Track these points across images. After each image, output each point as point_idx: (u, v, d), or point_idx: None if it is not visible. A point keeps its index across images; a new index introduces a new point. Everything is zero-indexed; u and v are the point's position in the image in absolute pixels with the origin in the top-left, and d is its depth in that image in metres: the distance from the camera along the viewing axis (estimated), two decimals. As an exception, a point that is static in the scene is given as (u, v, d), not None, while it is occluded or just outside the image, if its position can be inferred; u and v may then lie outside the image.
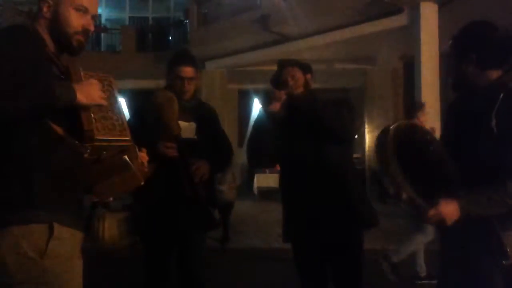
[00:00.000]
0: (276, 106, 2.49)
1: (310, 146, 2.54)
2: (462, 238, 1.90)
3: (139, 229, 2.62)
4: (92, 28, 1.80)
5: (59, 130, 1.61)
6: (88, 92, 1.64)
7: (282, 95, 2.50)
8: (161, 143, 2.62)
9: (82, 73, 1.73)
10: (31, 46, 1.65)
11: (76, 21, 1.75)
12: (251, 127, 2.69)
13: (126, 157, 1.74)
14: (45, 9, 1.74)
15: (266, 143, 2.61)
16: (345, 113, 2.50)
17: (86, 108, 1.64)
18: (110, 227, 2.10)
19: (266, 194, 11.67)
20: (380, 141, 1.83)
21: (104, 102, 1.68)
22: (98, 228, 2.08)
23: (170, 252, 2.83)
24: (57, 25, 1.74)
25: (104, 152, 1.68)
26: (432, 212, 1.73)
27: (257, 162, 3.07)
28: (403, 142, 1.80)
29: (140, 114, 2.83)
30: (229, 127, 13.58)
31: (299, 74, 2.65)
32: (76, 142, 1.62)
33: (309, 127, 2.51)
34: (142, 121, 2.71)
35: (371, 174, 11.33)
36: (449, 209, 1.74)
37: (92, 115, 1.65)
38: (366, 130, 12.33)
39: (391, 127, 1.83)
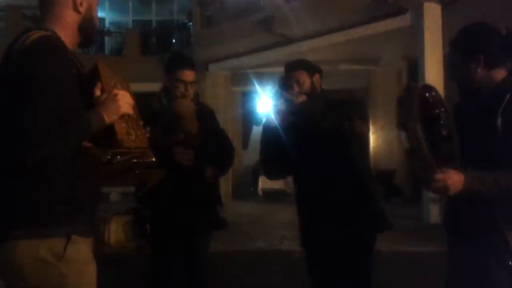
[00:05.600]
0: (276, 119, 2.48)
1: (319, 151, 2.54)
2: (468, 238, 1.90)
3: (146, 232, 2.64)
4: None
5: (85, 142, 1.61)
6: (113, 109, 1.63)
7: (281, 107, 2.48)
8: (178, 150, 2.64)
9: (109, 74, 1.71)
10: (63, 66, 1.60)
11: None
12: (260, 142, 2.71)
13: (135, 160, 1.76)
14: (79, 3, 1.69)
15: (277, 157, 2.62)
16: (352, 114, 2.48)
17: (117, 120, 1.65)
18: (116, 231, 2.11)
19: (270, 195, 11.66)
20: (406, 96, 1.83)
21: (130, 111, 1.69)
22: (104, 231, 2.08)
23: (176, 254, 2.84)
24: (89, 21, 1.73)
25: (118, 157, 1.68)
26: (440, 175, 1.73)
27: (273, 176, 3.10)
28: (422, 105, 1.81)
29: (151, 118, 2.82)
30: (233, 129, 13.58)
31: (304, 77, 2.62)
32: (99, 150, 1.62)
33: (314, 133, 2.50)
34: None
35: (376, 174, 11.30)
36: (456, 179, 1.74)
37: (124, 124, 1.66)
38: (370, 131, 12.30)
39: (418, 85, 1.85)
